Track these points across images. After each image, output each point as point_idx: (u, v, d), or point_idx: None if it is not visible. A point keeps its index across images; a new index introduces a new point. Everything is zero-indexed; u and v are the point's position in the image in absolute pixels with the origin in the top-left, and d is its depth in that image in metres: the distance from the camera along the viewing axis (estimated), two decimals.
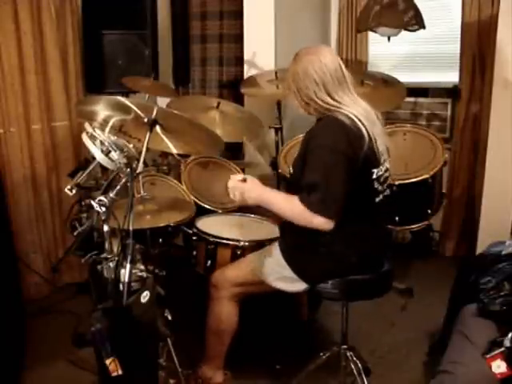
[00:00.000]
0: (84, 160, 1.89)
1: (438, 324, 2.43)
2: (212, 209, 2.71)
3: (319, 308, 2.77)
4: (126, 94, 3.18)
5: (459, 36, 3.36)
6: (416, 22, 2.93)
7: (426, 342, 2.52)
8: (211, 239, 2.26)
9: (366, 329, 2.65)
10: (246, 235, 2.26)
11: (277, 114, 3.27)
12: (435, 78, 3.65)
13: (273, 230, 2.27)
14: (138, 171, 1.66)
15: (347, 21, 3.77)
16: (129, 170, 1.60)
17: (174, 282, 2.29)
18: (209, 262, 2.27)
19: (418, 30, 2.98)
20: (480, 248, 2.89)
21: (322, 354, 2.19)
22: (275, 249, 1.97)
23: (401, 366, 2.40)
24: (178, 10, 4.01)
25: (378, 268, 1.97)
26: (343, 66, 1.87)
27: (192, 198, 2.72)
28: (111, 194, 1.61)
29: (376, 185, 1.86)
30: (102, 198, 1.59)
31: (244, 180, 1.92)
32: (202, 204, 2.71)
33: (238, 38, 3.70)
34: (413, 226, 2.88)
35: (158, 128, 1.86)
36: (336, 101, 1.83)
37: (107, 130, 1.66)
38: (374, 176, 1.84)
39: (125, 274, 1.51)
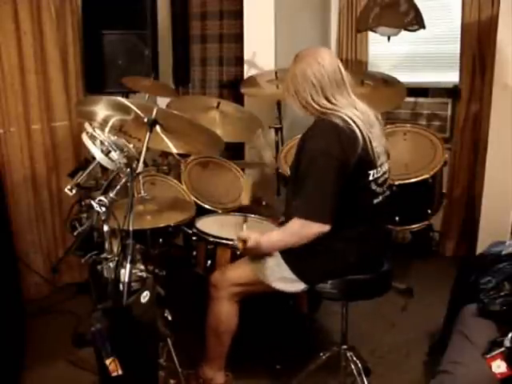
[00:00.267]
0: (84, 160, 1.89)
1: (438, 324, 2.42)
2: (212, 209, 2.71)
3: (319, 308, 2.77)
4: (125, 94, 3.18)
5: (459, 36, 3.36)
6: (416, 22, 2.93)
7: (426, 342, 2.52)
8: (211, 239, 2.26)
9: (366, 329, 2.65)
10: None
11: (277, 114, 3.27)
12: (435, 77, 3.65)
13: (273, 230, 2.27)
14: (137, 171, 1.66)
15: (347, 21, 3.77)
16: (129, 169, 1.60)
17: (174, 282, 2.29)
18: (209, 262, 2.27)
19: (418, 30, 2.98)
20: (480, 248, 2.89)
21: (321, 354, 2.19)
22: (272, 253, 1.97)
23: (401, 366, 2.40)
24: (178, 10, 4.01)
25: (377, 268, 1.97)
26: (342, 68, 1.88)
27: (192, 198, 2.72)
28: (111, 194, 1.61)
29: (374, 186, 1.87)
30: (102, 198, 1.59)
31: (244, 242, 1.93)
32: (202, 204, 2.71)
33: (238, 38, 3.70)
34: (413, 226, 2.88)
35: (158, 128, 1.86)
36: (333, 104, 1.84)
37: (107, 129, 1.66)
38: (371, 178, 1.85)
39: (125, 273, 1.51)
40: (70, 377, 2.32)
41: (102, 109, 1.83)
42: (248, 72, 3.50)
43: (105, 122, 1.77)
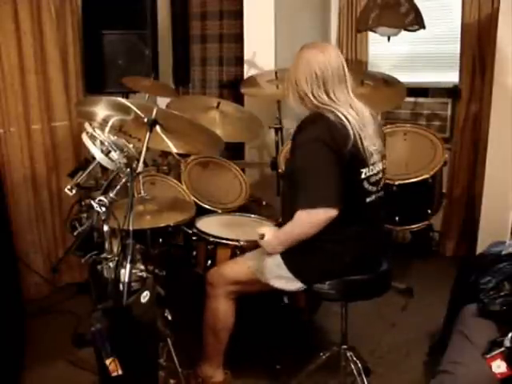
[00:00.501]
0: (84, 160, 1.89)
1: (438, 324, 2.43)
2: (212, 209, 2.71)
3: (319, 308, 2.76)
4: (125, 94, 3.18)
5: (459, 36, 3.36)
6: (416, 22, 2.93)
7: (426, 342, 2.52)
8: (211, 239, 2.26)
9: (365, 329, 2.64)
10: (245, 235, 2.26)
11: (277, 114, 3.27)
12: (435, 77, 3.64)
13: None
14: (137, 171, 1.66)
15: (347, 21, 3.77)
16: (129, 169, 1.60)
17: (174, 282, 2.29)
18: (209, 261, 2.27)
19: (418, 30, 2.99)
20: (480, 248, 2.89)
21: (321, 354, 2.19)
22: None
23: (401, 366, 2.40)
24: (178, 10, 4.01)
25: (375, 268, 1.97)
26: (345, 66, 1.88)
27: (192, 198, 2.72)
28: (111, 194, 1.61)
29: (366, 185, 1.87)
30: (102, 198, 1.59)
31: (262, 236, 1.95)
32: (202, 204, 2.71)
33: (238, 38, 3.70)
34: (413, 226, 2.88)
35: (158, 128, 1.86)
36: (331, 99, 1.84)
37: (107, 129, 1.66)
38: (363, 176, 1.84)
39: (125, 273, 1.51)
40: (70, 377, 2.32)
41: (101, 109, 1.83)
42: (248, 72, 3.50)
43: (105, 122, 1.77)
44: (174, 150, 2.11)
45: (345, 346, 2.14)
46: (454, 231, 3.55)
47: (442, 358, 1.93)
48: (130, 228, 1.51)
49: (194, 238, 2.36)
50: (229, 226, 2.43)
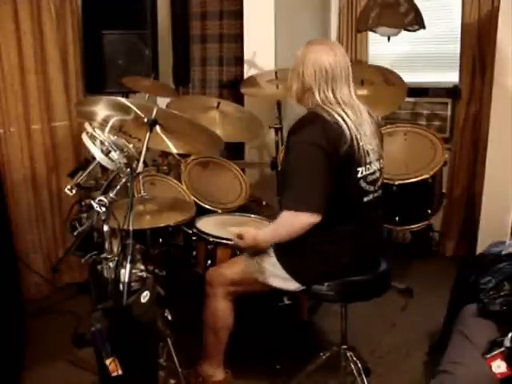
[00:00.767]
0: (84, 160, 1.89)
1: (438, 324, 2.42)
2: (212, 209, 2.71)
3: (319, 308, 2.77)
4: (125, 94, 3.17)
5: (459, 36, 3.36)
6: (416, 22, 2.93)
7: (426, 342, 2.52)
8: (211, 239, 2.26)
9: (365, 329, 2.64)
10: None
11: (277, 114, 3.27)
12: (435, 78, 3.65)
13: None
14: (137, 171, 1.66)
15: (347, 21, 3.77)
16: (129, 169, 1.60)
17: (174, 282, 2.29)
18: (209, 261, 2.27)
19: (418, 30, 2.99)
20: (480, 248, 2.89)
21: (321, 354, 2.19)
22: (269, 248, 1.97)
23: (401, 366, 2.40)
24: (178, 10, 4.01)
25: (374, 268, 1.96)
26: (350, 66, 1.88)
27: (192, 198, 2.72)
28: (111, 194, 1.61)
29: (363, 184, 1.86)
30: (102, 197, 1.59)
31: (239, 236, 1.95)
32: (202, 204, 2.71)
33: (238, 38, 3.70)
34: (413, 226, 2.88)
35: (157, 128, 1.86)
36: (336, 98, 1.83)
37: (107, 129, 1.66)
38: (360, 175, 1.84)
39: (125, 273, 1.51)
40: (70, 377, 2.32)
41: (102, 109, 1.83)
42: (248, 72, 3.50)
43: (105, 121, 1.77)
44: (174, 150, 2.11)
45: (345, 346, 2.14)
46: (454, 231, 3.55)
47: (441, 358, 1.93)
48: (130, 228, 1.51)
49: (193, 238, 2.36)
50: (229, 226, 2.42)
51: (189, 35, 4.04)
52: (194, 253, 2.37)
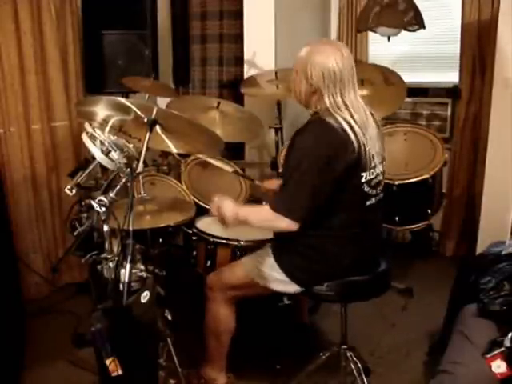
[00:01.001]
0: (84, 160, 1.89)
1: (438, 324, 2.42)
2: None
3: (319, 308, 2.77)
4: (125, 94, 3.17)
5: (459, 36, 3.36)
6: (416, 21, 2.93)
7: (426, 342, 2.52)
8: (211, 239, 2.26)
9: (365, 329, 2.64)
10: (245, 235, 2.26)
11: (277, 114, 3.27)
12: (435, 78, 3.65)
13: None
14: (137, 171, 1.66)
15: (347, 21, 3.77)
16: (129, 169, 1.60)
17: (174, 282, 2.29)
18: (209, 261, 2.27)
19: (417, 29, 2.98)
20: (480, 248, 2.89)
21: (321, 354, 2.19)
22: (268, 252, 1.98)
23: (401, 366, 2.40)
24: (178, 10, 4.00)
25: (373, 269, 1.96)
26: (354, 66, 1.85)
27: (192, 198, 2.72)
28: (111, 194, 1.61)
29: (366, 188, 1.85)
30: (102, 197, 1.59)
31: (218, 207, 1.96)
32: (202, 204, 2.71)
33: (238, 38, 3.70)
34: (413, 226, 2.88)
35: (158, 128, 1.86)
36: (344, 102, 1.79)
37: (107, 129, 1.66)
38: (364, 180, 1.83)
39: (125, 273, 1.51)
40: (70, 377, 2.32)
41: (102, 109, 1.82)
42: (248, 72, 3.50)
43: (105, 121, 1.77)
44: (174, 150, 2.11)
45: (345, 346, 2.14)
46: (454, 231, 3.55)
47: (441, 358, 1.93)
48: (130, 228, 1.50)
49: (193, 237, 2.35)
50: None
51: (189, 35, 4.03)
52: (194, 253, 2.37)
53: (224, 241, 2.23)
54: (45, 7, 2.89)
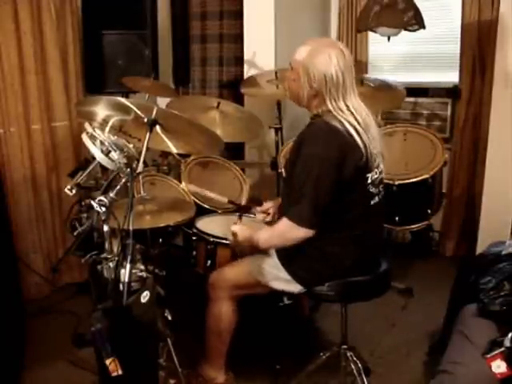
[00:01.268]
0: (84, 160, 1.89)
1: (438, 324, 2.42)
2: (212, 209, 2.71)
3: (319, 308, 2.77)
4: (125, 94, 3.17)
5: (459, 36, 3.36)
6: (416, 21, 2.93)
7: (426, 342, 2.52)
8: (211, 239, 2.26)
9: (366, 329, 2.65)
10: None
11: (277, 114, 3.27)
12: (435, 78, 3.65)
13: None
14: (137, 171, 1.66)
15: (347, 21, 3.77)
16: (129, 169, 1.60)
17: (174, 282, 2.29)
18: (209, 261, 2.27)
19: (417, 29, 2.98)
20: (480, 248, 2.89)
21: (322, 354, 2.19)
22: (271, 251, 1.98)
23: (401, 366, 2.40)
24: (178, 10, 4.01)
25: (374, 269, 1.96)
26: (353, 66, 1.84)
27: (192, 198, 2.72)
28: (111, 194, 1.61)
29: (371, 189, 1.86)
30: (102, 197, 1.59)
31: (235, 235, 2.01)
32: (202, 204, 2.71)
33: (238, 38, 3.70)
34: (413, 226, 2.88)
35: (158, 128, 1.86)
36: (346, 105, 1.78)
37: (107, 129, 1.66)
38: (369, 181, 1.83)
39: (125, 273, 1.51)
40: (70, 377, 2.32)
41: (102, 109, 1.83)
42: (248, 72, 3.50)
43: (105, 121, 1.77)
44: (174, 150, 2.11)
45: (345, 346, 2.14)
46: (454, 231, 3.55)
47: (441, 358, 1.93)
48: (130, 228, 1.50)
49: (193, 238, 2.35)
50: (229, 226, 2.42)
51: (189, 35, 4.03)
52: (194, 253, 2.36)
53: (224, 241, 2.23)
54: (45, 7, 2.89)
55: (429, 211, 2.85)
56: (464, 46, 3.35)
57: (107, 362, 1.40)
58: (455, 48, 3.41)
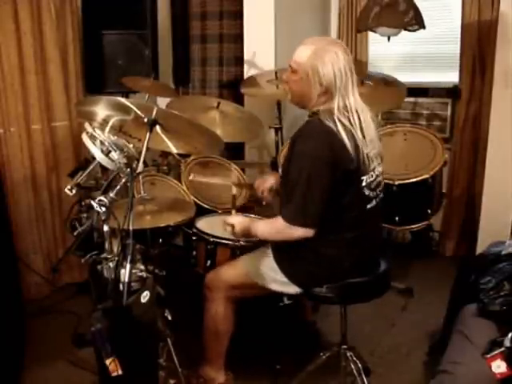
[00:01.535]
0: (84, 160, 1.89)
1: (438, 324, 2.42)
2: (212, 209, 2.71)
3: (319, 308, 2.77)
4: (125, 94, 3.17)
5: (459, 36, 3.36)
6: (416, 22, 2.93)
7: (426, 342, 2.52)
8: (211, 239, 2.26)
9: (365, 329, 2.65)
10: None
11: (277, 114, 3.27)
12: (435, 78, 3.65)
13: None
14: (137, 171, 1.66)
15: (347, 21, 3.77)
16: (129, 169, 1.60)
17: (174, 282, 2.29)
18: (209, 261, 2.27)
19: (418, 30, 2.98)
20: (480, 248, 2.89)
21: (322, 354, 2.19)
22: (268, 252, 1.98)
23: (401, 366, 2.40)
24: (178, 10, 4.00)
25: (373, 270, 1.96)
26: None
27: (192, 197, 2.72)
28: (111, 194, 1.61)
29: (367, 192, 1.85)
30: (102, 197, 1.59)
31: (232, 226, 2.00)
32: (202, 204, 2.71)
33: (238, 38, 3.70)
34: (413, 226, 2.88)
35: (158, 128, 1.86)
36: (350, 105, 1.78)
37: (107, 129, 1.66)
38: (364, 183, 1.82)
39: (125, 273, 1.51)
40: (70, 377, 2.32)
41: (102, 109, 1.83)
42: (248, 72, 3.50)
43: (105, 121, 1.77)
44: (174, 150, 2.11)
45: (345, 346, 2.14)
46: (454, 231, 3.55)
47: (441, 358, 1.93)
48: (130, 228, 1.50)
49: (193, 238, 2.35)
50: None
51: (189, 35, 4.03)
52: (194, 253, 2.36)
53: (224, 241, 2.23)
54: (45, 7, 2.89)
55: (429, 211, 2.85)
56: (464, 46, 3.35)
57: (107, 362, 1.40)
58: (455, 48, 3.41)
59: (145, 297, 1.53)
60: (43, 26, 2.91)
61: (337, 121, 1.75)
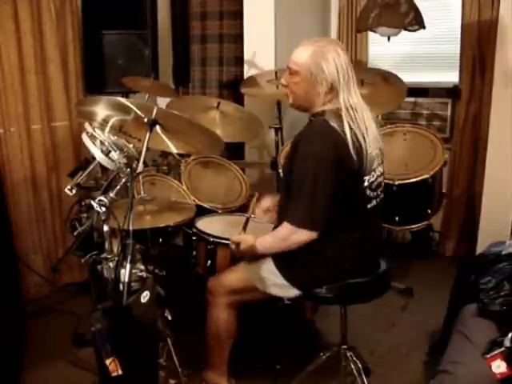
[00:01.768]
0: (84, 160, 1.89)
1: (438, 324, 2.42)
2: (212, 209, 2.71)
3: (319, 308, 2.77)
4: (125, 94, 3.17)
5: (459, 36, 3.36)
6: (416, 22, 2.93)
7: (426, 342, 2.52)
8: (211, 239, 2.26)
9: (366, 329, 2.64)
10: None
11: (277, 114, 3.27)
12: (435, 78, 3.65)
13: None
14: (138, 171, 1.66)
15: (347, 21, 3.77)
16: (129, 169, 1.60)
17: (174, 282, 2.29)
18: (209, 262, 2.27)
19: (418, 30, 2.99)
20: (480, 248, 2.89)
21: (322, 354, 2.19)
22: (267, 256, 1.97)
23: (401, 366, 2.40)
24: (178, 10, 4.01)
25: (373, 270, 1.96)
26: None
27: (192, 198, 2.72)
28: (111, 194, 1.61)
29: (368, 192, 1.84)
30: (102, 197, 1.59)
31: (237, 244, 1.97)
32: (202, 204, 2.71)
33: (238, 38, 3.70)
34: (413, 226, 2.88)
35: (158, 128, 1.86)
36: (354, 103, 1.77)
37: (107, 129, 1.66)
38: (366, 184, 1.82)
39: (125, 273, 1.51)
40: (70, 377, 2.32)
41: (102, 109, 1.83)
42: (248, 72, 3.50)
43: (105, 122, 1.77)
44: (174, 150, 2.11)
45: (345, 346, 2.14)
46: (454, 231, 3.55)
47: (441, 358, 1.93)
48: (130, 228, 1.50)
49: (193, 238, 2.35)
50: (229, 226, 2.42)
51: (189, 35, 4.04)
52: (194, 253, 2.36)
53: (224, 241, 2.22)
54: (45, 7, 2.89)
55: (429, 211, 2.85)
56: (464, 45, 3.35)
57: (107, 362, 1.40)
58: (455, 48, 3.42)
59: (145, 297, 1.53)
60: (43, 25, 2.91)
61: (344, 121, 1.75)
